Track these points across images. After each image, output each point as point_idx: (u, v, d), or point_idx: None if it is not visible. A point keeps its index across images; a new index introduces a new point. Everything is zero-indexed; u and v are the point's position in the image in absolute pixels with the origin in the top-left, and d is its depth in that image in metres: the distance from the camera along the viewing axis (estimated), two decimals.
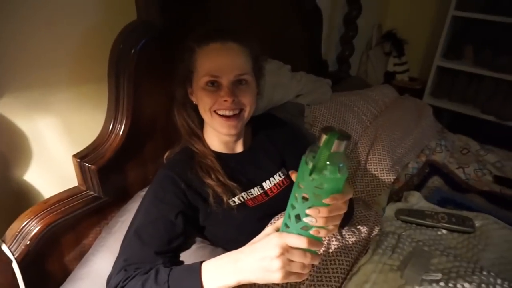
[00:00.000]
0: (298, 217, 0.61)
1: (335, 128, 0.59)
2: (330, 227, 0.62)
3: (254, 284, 0.81)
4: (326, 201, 0.58)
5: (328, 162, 0.57)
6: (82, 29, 0.97)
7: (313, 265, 0.80)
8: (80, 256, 0.99)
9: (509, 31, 2.33)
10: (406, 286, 0.84)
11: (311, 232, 0.61)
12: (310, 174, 0.57)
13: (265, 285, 0.82)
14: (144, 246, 0.78)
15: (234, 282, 0.64)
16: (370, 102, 1.73)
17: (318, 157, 0.56)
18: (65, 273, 0.96)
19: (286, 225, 0.63)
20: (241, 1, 1.33)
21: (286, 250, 0.60)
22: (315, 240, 0.61)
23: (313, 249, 0.61)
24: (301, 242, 0.60)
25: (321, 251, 0.89)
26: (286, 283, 0.83)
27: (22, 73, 0.89)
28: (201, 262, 0.68)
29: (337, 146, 0.56)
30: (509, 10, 2.22)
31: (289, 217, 0.62)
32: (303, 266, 0.61)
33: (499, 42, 2.43)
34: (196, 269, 0.67)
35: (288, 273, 0.61)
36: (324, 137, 0.56)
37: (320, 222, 0.60)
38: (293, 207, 0.61)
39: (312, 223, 0.60)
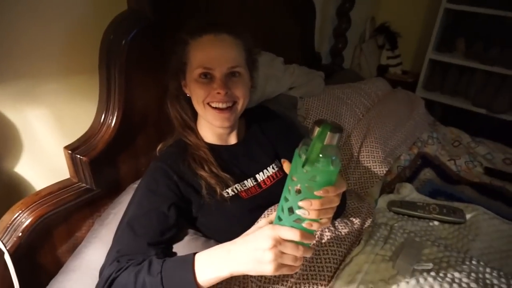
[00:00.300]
0: (291, 210, 0.61)
1: (328, 120, 0.59)
2: (323, 220, 0.63)
3: (247, 275, 0.81)
4: (318, 193, 0.58)
5: (321, 155, 0.57)
6: (72, 20, 0.96)
7: (305, 258, 0.81)
8: (73, 248, 0.98)
9: (500, 24, 2.35)
10: (398, 276, 0.85)
11: (304, 225, 0.61)
12: (303, 166, 0.57)
13: (257, 276, 0.82)
14: (136, 238, 0.78)
15: (227, 273, 0.64)
16: (363, 94, 1.73)
17: (311, 150, 0.56)
18: (58, 265, 0.96)
19: (279, 218, 0.63)
20: None
21: (279, 242, 0.60)
22: (307, 233, 0.61)
23: (306, 242, 0.61)
24: (293, 234, 0.60)
25: (314, 242, 0.90)
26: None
27: (12, 64, 0.87)
28: (194, 253, 0.69)
29: (330, 138, 0.56)
30: (501, 3, 2.23)
31: (282, 209, 0.62)
32: (295, 258, 0.62)
33: (490, 35, 2.45)
34: (189, 260, 0.67)
35: (280, 265, 0.61)
36: (317, 130, 0.57)
37: (313, 215, 0.60)
38: (286, 200, 0.61)
39: (304, 216, 0.60)
